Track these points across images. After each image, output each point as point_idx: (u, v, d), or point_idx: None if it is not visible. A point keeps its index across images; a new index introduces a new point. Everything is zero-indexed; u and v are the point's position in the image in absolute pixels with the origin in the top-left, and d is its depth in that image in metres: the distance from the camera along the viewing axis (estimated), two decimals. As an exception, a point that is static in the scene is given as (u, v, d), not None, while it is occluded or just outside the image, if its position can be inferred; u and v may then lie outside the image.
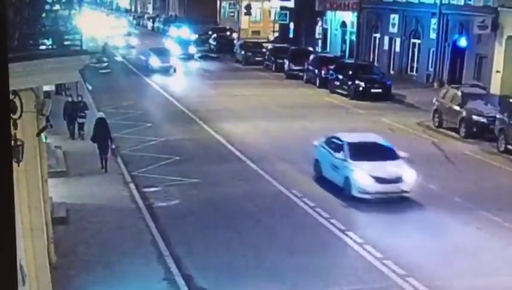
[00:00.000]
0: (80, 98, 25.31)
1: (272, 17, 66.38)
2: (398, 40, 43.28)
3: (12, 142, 8.02)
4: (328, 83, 38.05)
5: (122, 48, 58.34)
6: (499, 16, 33.55)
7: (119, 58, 52.71)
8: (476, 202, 18.32)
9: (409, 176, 18.33)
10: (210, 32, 63.33)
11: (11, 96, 7.99)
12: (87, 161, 21.77)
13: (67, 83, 26.88)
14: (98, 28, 61.60)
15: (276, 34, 62.92)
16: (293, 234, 15.98)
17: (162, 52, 47.00)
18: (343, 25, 50.64)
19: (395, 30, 43.39)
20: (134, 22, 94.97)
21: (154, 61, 45.32)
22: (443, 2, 38.24)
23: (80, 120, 24.64)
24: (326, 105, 34.13)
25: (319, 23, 53.90)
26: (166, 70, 44.55)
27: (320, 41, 53.88)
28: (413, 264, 14.13)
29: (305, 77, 41.46)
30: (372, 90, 35.09)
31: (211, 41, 60.34)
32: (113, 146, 21.83)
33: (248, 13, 69.53)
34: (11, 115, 7.98)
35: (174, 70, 45.38)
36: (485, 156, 23.90)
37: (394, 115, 31.08)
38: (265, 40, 61.39)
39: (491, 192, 19.48)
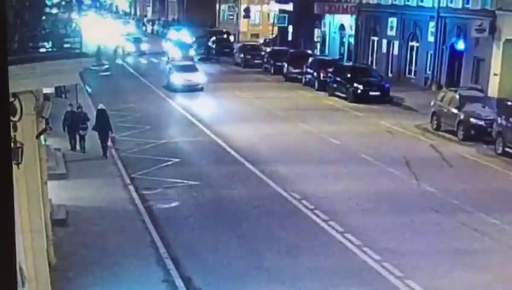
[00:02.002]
0: (80, 109, 24.08)
1: (271, 20, 66.42)
2: (396, 43, 43.32)
3: (12, 144, 8.06)
4: (326, 86, 38.13)
5: (132, 53, 57.72)
6: (496, 19, 33.61)
7: (119, 62, 52.64)
8: (474, 204, 18.36)
9: None
10: (207, 35, 63.10)
11: (11, 99, 8.04)
12: (87, 163, 21.84)
13: (67, 85, 26.95)
14: (109, 36, 61.11)
15: (269, 37, 62.78)
16: (293, 234, 16.02)
17: (186, 67, 39.35)
18: (342, 28, 50.70)
19: (393, 33, 43.44)
20: (144, 28, 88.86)
21: (177, 78, 37.73)
22: (441, 5, 38.32)
23: (82, 132, 23.21)
24: (324, 108, 34.18)
25: (318, 27, 53.96)
26: (191, 90, 37.35)
27: (318, 44, 53.91)
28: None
29: (303, 80, 41.54)
30: (371, 93, 35.14)
31: (210, 44, 60.30)
32: (113, 135, 23.64)
33: (247, 16, 69.64)
34: (11, 117, 8.03)
35: (201, 89, 37.73)
36: (483, 158, 23.94)
37: (392, 117, 31.13)
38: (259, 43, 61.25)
39: (489, 194, 19.53)
